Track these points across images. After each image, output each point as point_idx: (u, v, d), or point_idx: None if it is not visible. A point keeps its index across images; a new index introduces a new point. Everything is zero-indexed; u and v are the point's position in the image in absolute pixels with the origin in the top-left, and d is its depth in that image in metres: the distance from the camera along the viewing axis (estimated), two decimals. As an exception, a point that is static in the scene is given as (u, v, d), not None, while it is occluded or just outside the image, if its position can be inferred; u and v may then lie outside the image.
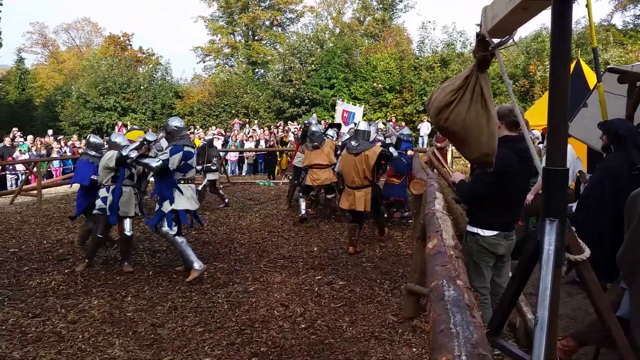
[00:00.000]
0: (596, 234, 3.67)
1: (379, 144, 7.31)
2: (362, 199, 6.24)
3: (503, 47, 2.30)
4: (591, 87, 7.30)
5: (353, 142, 6.49)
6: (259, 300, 4.68)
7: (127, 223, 5.73)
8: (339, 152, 8.01)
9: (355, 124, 10.42)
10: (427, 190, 3.89)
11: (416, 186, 4.41)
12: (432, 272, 1.64)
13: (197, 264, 5.20)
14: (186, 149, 5.37)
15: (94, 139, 6.78)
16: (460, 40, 25.82)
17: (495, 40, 2.31)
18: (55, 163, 16.10)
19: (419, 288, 4.08)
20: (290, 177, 10.36)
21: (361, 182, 6.27)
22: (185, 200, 5.39)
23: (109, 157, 5.58)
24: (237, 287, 5.08)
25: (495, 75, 18.86)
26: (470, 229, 3.60)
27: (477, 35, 2.40)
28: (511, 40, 2.29)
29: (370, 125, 7.60)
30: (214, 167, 9.62)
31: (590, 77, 8.82)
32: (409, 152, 8.54)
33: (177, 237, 5.34)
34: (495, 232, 3.45)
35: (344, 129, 11.73)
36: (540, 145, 6.75)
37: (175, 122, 5.60)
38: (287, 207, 9.52)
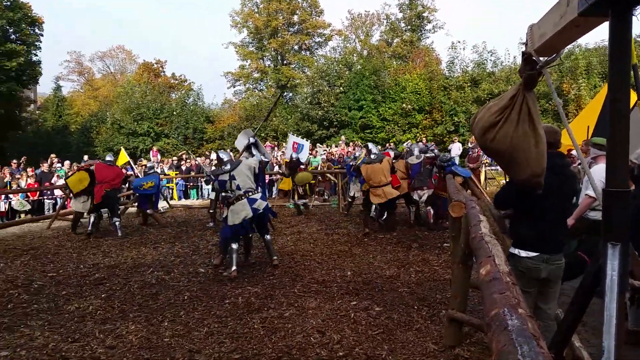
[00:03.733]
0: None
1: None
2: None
3: (551, 66, 2.23)
4: (631, 105, 7.10)
5: (372, 156, 9.24)
6: (294, 326, 4.61)
7: None
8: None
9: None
10: (469, 213, 3.76)
11: (455, 208, 4.26)
12: (491, 300, 1.55)
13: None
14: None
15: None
16: (490, 60, 25.57)
17: (542, 59, 2.25)
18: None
19: (461, 315, 3.94)
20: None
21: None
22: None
23: None
24: (272, 312, 5.02)
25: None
26: (510, 250, 3.44)
27: (523, 54, 2.34)
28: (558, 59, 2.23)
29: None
30: None
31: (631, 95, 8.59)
32: None
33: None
34: (533, 254, 3.25)
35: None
36: (579, 166, 6.56)
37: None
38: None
